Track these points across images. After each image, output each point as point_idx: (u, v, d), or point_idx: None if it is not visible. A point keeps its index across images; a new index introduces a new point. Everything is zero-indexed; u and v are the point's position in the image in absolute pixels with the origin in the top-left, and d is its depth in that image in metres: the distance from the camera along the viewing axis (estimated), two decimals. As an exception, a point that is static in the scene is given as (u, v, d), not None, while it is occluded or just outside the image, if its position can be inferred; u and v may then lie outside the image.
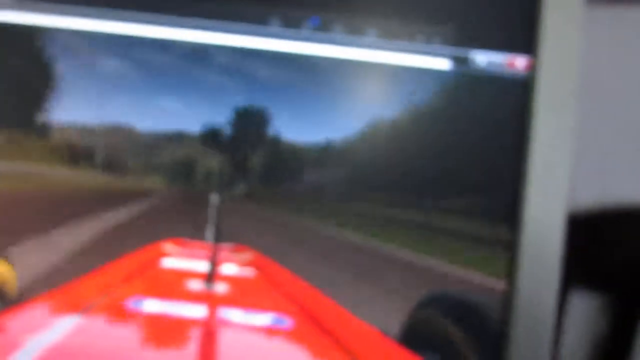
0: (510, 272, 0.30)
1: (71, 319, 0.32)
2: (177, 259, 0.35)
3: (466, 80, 0.30)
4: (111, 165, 0.34)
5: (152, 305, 0.33)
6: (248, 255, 0.34)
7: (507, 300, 0.29)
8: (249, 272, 0.34)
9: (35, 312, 0.33)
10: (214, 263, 0.34)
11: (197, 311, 0.33)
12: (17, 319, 0.33)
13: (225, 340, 0.31)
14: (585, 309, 0.66)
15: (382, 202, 0.32)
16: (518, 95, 0.30)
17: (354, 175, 0.32)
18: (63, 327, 0.32)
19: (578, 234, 0.63)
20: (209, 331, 0.32)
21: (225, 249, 0.34)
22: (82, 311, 0.33)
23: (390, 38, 0.31)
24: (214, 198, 0.33)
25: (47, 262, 0.34)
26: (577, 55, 0.29)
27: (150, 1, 0.32)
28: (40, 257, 0.34)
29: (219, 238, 0.34)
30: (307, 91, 0.31)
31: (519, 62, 0.30)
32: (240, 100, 0.32)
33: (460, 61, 0.31)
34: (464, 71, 0.30)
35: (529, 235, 0.29)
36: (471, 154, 0.31)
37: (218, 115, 0.32)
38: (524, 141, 0.29)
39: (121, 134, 0.33)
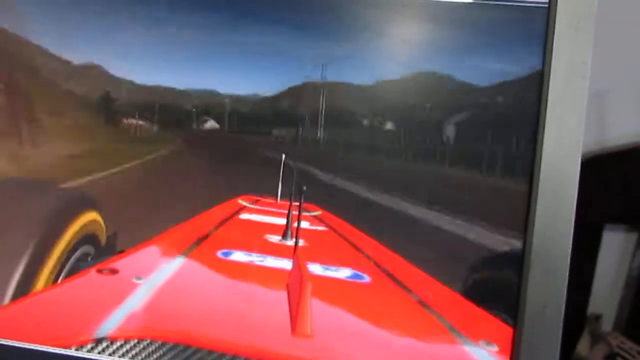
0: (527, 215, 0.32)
1: (171, 265, 0.36)
2: (253, 214, 0.37)
3: (488, 12, 0.31)
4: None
5: (239, 256, 0.37)
6: (318, 212, 0.36)
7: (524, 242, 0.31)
8: (320, 227, 0.37)
9: (139, 259, 0.37)
10: (290, 219, 0.37)
11: (279, 263, 0.36)
12: (126, 265, 0.37)
13: (310, 290, 0.35)
14: (620, 249, 0.67)
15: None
16: (539, 25, 0.31)
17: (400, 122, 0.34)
18: (165, 273, 0.36)
19: (609, 173, 0.64)
20: (296, 281, 0.35)
21: (296, 206, 0.37)
22: (179, 259, 0.37)
23: None
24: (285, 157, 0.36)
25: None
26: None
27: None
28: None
29: (291, 195, 0.36)
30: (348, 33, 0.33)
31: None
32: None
33: None
34: (483, 2, 0.31)
35: (545, 174, 0.30)
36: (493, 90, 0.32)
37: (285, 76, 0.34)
38: (544, 67, 0.30)
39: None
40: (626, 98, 0.65)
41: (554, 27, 0.30)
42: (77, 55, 0.35)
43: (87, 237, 0.37)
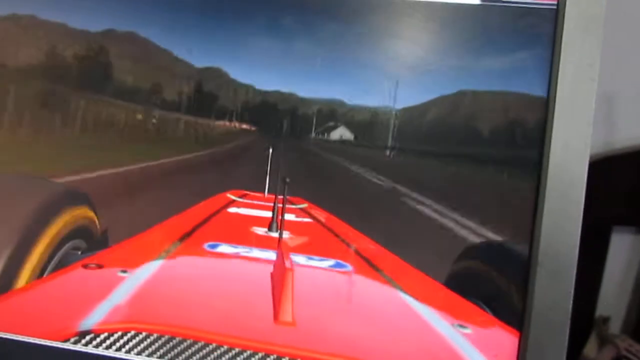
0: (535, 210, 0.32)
1: (157, 260, 0.37)
2: (241, 208, 0.38)
3: (496, 14, 0.32)
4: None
5: (225, 248, 0.37)
6: (303, 205, 0.37)
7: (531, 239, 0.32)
8: (305, 219, 0.37)
9: (125, 253, 0.37)
10: (276, 212, 0.38)
11: (264, 254, 0.37)
12: (111, 259, 0.38)
13: (293, 279, 0.35)
14: (628, 251, 0.68)
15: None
16: (547, 27, 0.31)
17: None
18: (151, 267, 0.37)
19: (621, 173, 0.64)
20: (279, 271, 0.36)
21: (282, 199, 0.37)
22: (165, 253, 0.37)
23: None
24: (274, 150, 0.37)
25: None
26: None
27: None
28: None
29: (277, 189, 0.37)
30: (345, 35, 0.33)
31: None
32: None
33: None
34: (494, 4, 0.32)
35: (553, 172, 0.31)
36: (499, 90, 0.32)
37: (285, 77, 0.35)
38: (552, 69, 0.31)
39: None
40: (635, 100, 0.65)
41: (562, 29, 0.30)
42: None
43: (78, 231, 0.38)
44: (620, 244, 0.68)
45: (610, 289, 0.68)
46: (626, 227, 0.68)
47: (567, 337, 0.31)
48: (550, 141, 0.31)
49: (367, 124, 0.35)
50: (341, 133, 0.36)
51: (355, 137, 0.36)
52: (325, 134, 0.36)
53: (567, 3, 0.30)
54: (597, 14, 0.30)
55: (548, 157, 0.31)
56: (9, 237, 0.37)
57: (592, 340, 0.66)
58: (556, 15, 0.31)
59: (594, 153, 0.64)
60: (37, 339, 0.36)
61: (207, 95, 0.36)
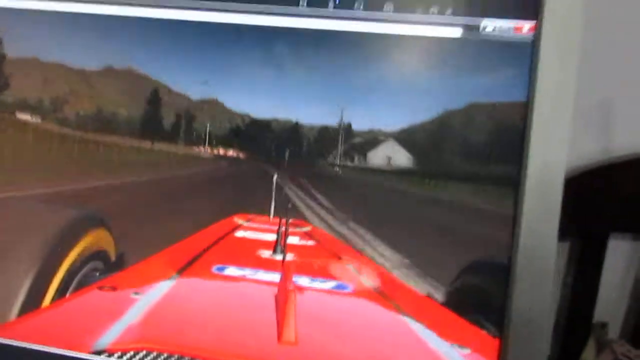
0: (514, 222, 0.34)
1: (168, 281, 0.40)
2: (248, 232, 0.41)
3: (475, 47, 0.34)
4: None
5: (232, 271, 0.40)
6: (307, 228, 0.40)
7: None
8: (309, 242, 0.40)
9: (138, 275, 0.40)
10: (279, 235, 0.40)
11: (270, 276, 0.39)
12: (125, 281, 0.40)
13: (296, 300, 0.38)
14: (626, 258, 0.69)
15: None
16: (523, 57, 0.33)
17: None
18: (162, 289, 0.40)
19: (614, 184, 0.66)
20: (282, 292, 0.38)
21: (287, 222, 0.40)
22: (176, 275, 0.40)
23: (406, 11, 0.35)
24: (277, 177, 0.39)
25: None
26: (580, 14, 0.32)
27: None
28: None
29: (281, 213, 0.39)
30: (331, 65, 0.36)
31: (525, 26, 0.34)
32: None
33: (470, 29, 0.35)
34: (473, 38, 0.34)
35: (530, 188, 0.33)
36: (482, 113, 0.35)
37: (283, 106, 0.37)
38: (529, 96, 0.33)
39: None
40: (632, 108, 0.66)
41: (538, 60, 0.33)
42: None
43: (96, 254, 0.41)
44: (617, 250, 0.70)
45: (609, 295, 0.69)
46: (623, 233, 0.69)
47: (547, 345, 0.33)
48: (527, 159, 0.33)
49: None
50: (389, 153, 0.38)
51: (416, 159, 0.38)
52: (356, 157, 0.38)
53: (542, 37, 0.32)
54: (572, 46, 0.32)
55: (526, 174, 0.33)
56: (32, 262, 0.40)
57: (591, 345, 0.68)
58: (533, 47, 0.33)
59: (592, 161, 0.66)
60: (61, 349, 0.38)
61: (205, 125, 0.39)
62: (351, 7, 0.36)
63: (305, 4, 0.35)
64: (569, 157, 0.57)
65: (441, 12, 0.35)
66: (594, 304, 0.69)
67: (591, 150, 0.67)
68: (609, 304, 0.70)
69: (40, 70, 0.40)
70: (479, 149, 0.36)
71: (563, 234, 0.70)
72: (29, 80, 0.40)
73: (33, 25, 0.39)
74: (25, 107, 0.40)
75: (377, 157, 0.37)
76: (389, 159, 0.37)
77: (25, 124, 0.41)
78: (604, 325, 0.69)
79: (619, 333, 0.71)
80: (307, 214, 0.39)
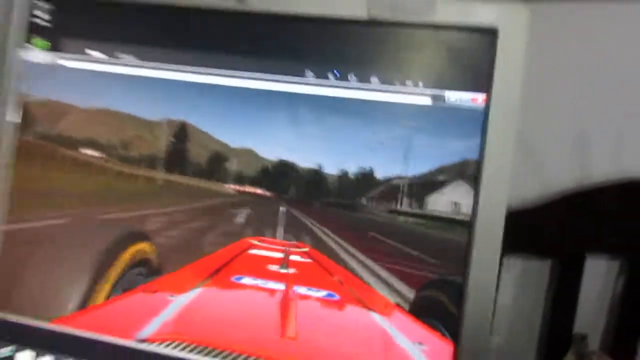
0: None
1: (196, 289, 0.49)
2: (259, 250, 0.49)
3: (441, 112, 0.44)
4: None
5: (247, 280, 0.48)
6: (306, 249, 0.48)
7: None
8: (307, 260, 0.48)
9: (173, 282, 0.49)
10: (285, 253, 0.48)
11: (276, 285, 0.48)
12: (163, 286, 0.49)
13: (296, 305, 0.47)
14: (603, 276, 0.74)
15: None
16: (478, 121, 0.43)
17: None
18: (192, 293, 0.49)
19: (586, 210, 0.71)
20: (286, 298, 0.47)
21: (290, 244, 0.48)
22: (202, 283, 0.48)
23: (388, 83, 0.45)
24: (283, 208, 0.48)
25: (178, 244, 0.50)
26: (519, 91, 0.41)
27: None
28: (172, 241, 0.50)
29: (287, 236, 0.48)
30: (334, 122, 0.45)
31: (479, 98, 0.43)
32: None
33: (437, 98, 0.44)
34: (440, 105, 0.44)
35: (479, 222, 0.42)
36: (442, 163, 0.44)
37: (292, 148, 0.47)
38: (481, 152, 0.42)
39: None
40: (605, 139, 0.71)
41: (488, 122, 0.42)
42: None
43: (142, 261, 0.50)
44: (596, 268, 0.74)
45: (588, 309, 0.74)
46: (599, 253, 0.74)
47: (489, 343, 0.41)
48: (478, 201, 0.41)
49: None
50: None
51: (408, 202, 0.47)
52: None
53: (492, 106, 0.42)
54: (513, 112, 0.41)
55: (476, 213, 0.41)
56: (90, 267, 0.50)
57: (570, 357, 0.71)
58: (485, 113, 0.42)
59: (569, 187, 0.71)
60: (111, 337, 0.47)
61: (238, 167, 0.48)
62: (346, 79, 0.45)
63: (312, 76, 0.45)
64: (547, 184, 0.66)
65: (415, 85, 0.44)
66: (574, 317, 0.74)
67: (569, 178, 0.72)
68: (589, 317, 0.74)
69: (111, 117, 0.49)
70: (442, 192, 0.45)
71: (545, 253, 0.76)
72: (101, 126, 0.50)
73: (106, 82, 0.49)
74: (95, 146, 0.50)
75: (371, 197, 0.47)
76: (379, 200, 0.46)
77: (90, 161, 0.50)
78: (583, 338, 0.71)
79: (598, 345, 0.75)
80: (306, 238, 0.47)
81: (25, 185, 0.50)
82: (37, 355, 0.48)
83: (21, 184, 0.50)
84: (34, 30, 0.49)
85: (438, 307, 0.43)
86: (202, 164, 0.49)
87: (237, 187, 0.48)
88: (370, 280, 0.46)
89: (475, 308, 0.41)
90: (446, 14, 0.42)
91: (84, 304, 0.49)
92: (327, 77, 0.45)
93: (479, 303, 0.41)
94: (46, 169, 0.51)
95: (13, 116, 0.50)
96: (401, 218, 0.45)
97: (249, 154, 0.47)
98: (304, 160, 0.46)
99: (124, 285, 0.49)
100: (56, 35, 0.49)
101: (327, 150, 0.46)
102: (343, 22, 0.44)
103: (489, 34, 0.41)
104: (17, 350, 0.48)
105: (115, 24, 0.48)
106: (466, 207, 0.43)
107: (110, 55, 0.48)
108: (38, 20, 0.50)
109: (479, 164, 0.42)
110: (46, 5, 0.50)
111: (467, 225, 0.42)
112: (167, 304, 0.48)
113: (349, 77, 0.45)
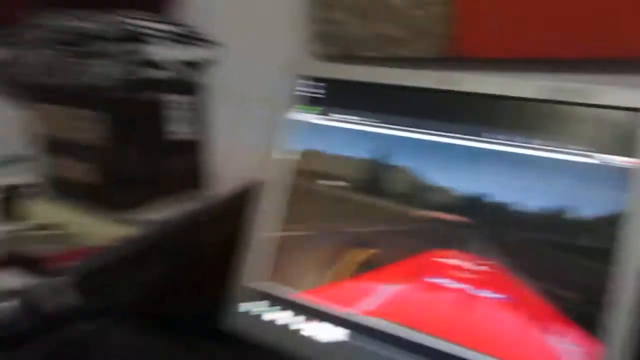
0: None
1: (398, 285, 0.61)
2: (447, 259, 0.60)
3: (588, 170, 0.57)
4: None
5: (436, 280, 0.59)
6: (490, 263, 0.57)
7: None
8: (483, 268, 0.58)
9: (385, 275, 0.62)
10: (472, 263, 0.57)
11: (460, 286, 0.58)
12: (380, 278, 0.63)
13: (476, 304, 0.57)
14: None
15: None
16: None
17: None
18: (394, 288, 0.61)
19: None
20: (467, 298, 0.57)
21: (471, 256, 0.58)
22: (402, 281, 0.61)
23: (541, 142, 0.60)
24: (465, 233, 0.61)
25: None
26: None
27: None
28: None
29: (468, 250, 0.58)
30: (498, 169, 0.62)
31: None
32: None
33: (584, 157, 0.57)
34: (586, 163, 0.57)
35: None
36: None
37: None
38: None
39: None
40: None
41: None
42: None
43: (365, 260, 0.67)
44: None
45: None
46: None
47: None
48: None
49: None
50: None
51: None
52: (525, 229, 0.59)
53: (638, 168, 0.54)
54: None
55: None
56: (331, 259, 0.66)
57: None
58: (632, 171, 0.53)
59: None
60: (341, 310, 0.63)
61: (441, 200, 0.64)
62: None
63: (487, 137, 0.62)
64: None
65: (578, 147, 0.58)
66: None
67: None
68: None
69: (356, 162, 0.69)
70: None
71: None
72: (348, 169, 0.74)
73: (355, 137, 0.73)
74: (344, 180, 0.72)
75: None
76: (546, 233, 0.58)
77: (330, 191, 0.69)
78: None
79: None
80: (491, 256, 0.58)
81: (295, 207, 0.73)
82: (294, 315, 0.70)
83: (292, 205, 0.74)
84: (311, 100, 0.74)
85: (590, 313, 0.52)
86: (415, 199, 0.65)
87: (441, 215, 0.62)
88: (532, 287, 0.56)
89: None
90: (602, 98, 0.57)
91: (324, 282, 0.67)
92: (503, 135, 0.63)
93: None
94: (309, 196, 0.74)
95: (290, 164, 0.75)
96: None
97: (448, 190, 0.66)
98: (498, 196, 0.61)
99: (350, 272, 0.68)
100: (325, 104, 0.73)
101: (501, 189, 0.61)
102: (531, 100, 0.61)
103: (634, 111, 0.55)
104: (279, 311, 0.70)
105: (372, 98, 0.70)
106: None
107: (363, 117, 0.71)
108: (315, 94, 0.75)
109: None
110: (321, 84, 0.75)
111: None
112: (379, 290, 0.65)
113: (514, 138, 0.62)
